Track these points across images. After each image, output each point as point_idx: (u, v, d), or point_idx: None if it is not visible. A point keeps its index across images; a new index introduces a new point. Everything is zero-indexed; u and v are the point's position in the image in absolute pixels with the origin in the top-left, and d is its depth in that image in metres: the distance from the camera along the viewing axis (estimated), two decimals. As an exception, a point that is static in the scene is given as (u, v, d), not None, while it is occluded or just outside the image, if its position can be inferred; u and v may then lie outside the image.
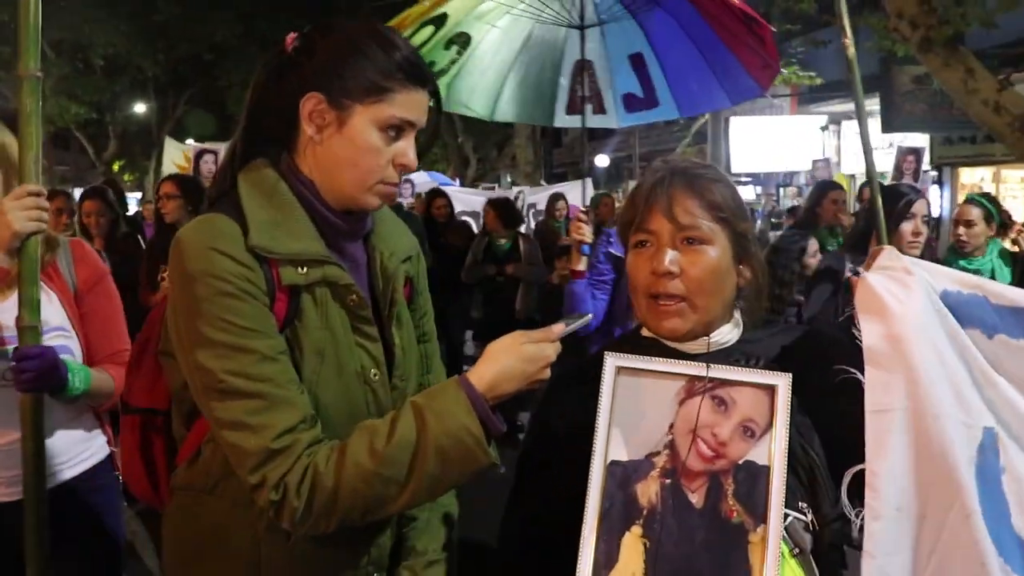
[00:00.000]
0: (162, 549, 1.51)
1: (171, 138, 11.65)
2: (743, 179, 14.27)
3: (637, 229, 1.36)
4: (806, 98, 14.97)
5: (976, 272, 3.84)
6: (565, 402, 1.38)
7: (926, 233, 3.46)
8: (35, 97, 1.86)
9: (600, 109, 4.23)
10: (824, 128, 14.99)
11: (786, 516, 1.20)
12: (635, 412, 1.25)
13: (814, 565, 1.26)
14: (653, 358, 1.27)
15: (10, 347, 1.91)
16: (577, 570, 1.18)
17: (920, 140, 11.17)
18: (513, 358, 1.29)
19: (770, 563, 1.15)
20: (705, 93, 4.09)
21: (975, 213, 4.27)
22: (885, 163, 14.08)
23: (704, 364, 1.26)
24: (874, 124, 14.57)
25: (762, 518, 1.18)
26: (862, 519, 1.20)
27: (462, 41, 4.00)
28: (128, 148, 24.07)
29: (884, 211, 3.05)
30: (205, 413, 1.30)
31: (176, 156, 9.28)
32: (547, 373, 1.30)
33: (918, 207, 3.44)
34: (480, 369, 1.30)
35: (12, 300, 1.95)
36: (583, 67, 4.05)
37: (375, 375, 1.41)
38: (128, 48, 17.41)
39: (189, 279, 1.27)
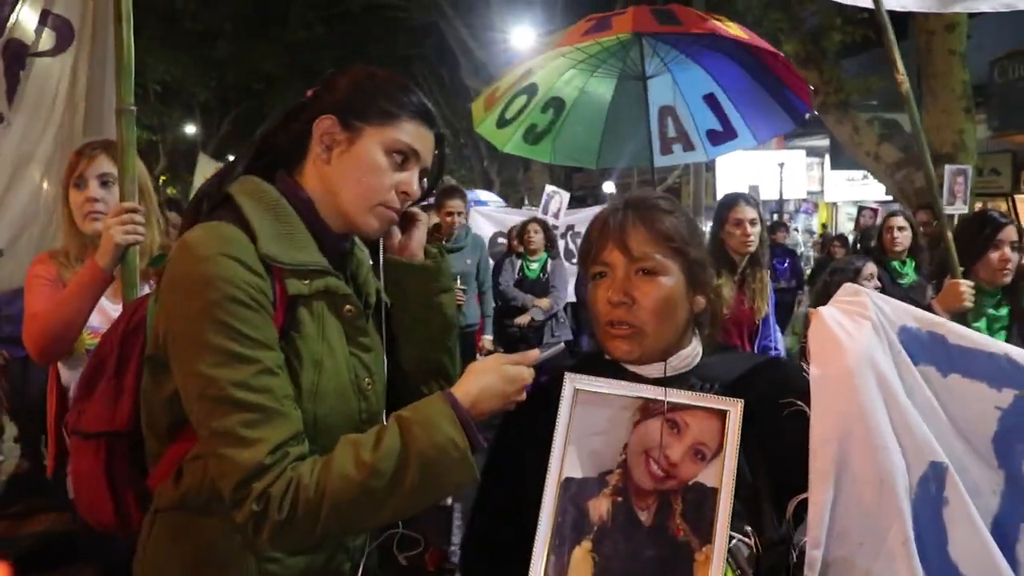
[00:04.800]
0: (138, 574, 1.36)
1: (208, 156, 11.68)
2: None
3: (593, 261, 1.32)
4: (790, 134, 15.00)
5: None
6: (527, 419, 1.32)
7: (1016, 260, 3.00)
8: (131, 128, 2.00)
9: (689, 146, 4.40)
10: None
11: (731, 538, 1.14)
12: (591, 432, 1.19)
13: None
14: (611, 380, 1.22)
15: None
16: None
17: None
18: (495, 377, 1.23)
19: None
20: (771, 119, 4.20)
21: None
22: (862, 192, 14.01)
23: (660, 388, 1.20)
24: (825, 161, 14.64)
25: (708, 539, 1.12)
26: (802, 545, 1.14)
27: (556, 105, 4.35)
28: (175, 165, 24.33)
29: (969, 238, 2.98)
30: (196, 422, 1.19)
31: (208, 171, 9.30)
32: (523, 395, 1.25)
33: (1005, 233, 3.00)
34: (464, 385, 1.23)
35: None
36: (667, 112, 4.29)
37: (368, 383, 1.35)
38: (183, 77, 17.67)
39: (199, 284, 1.17)
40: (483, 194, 13.44)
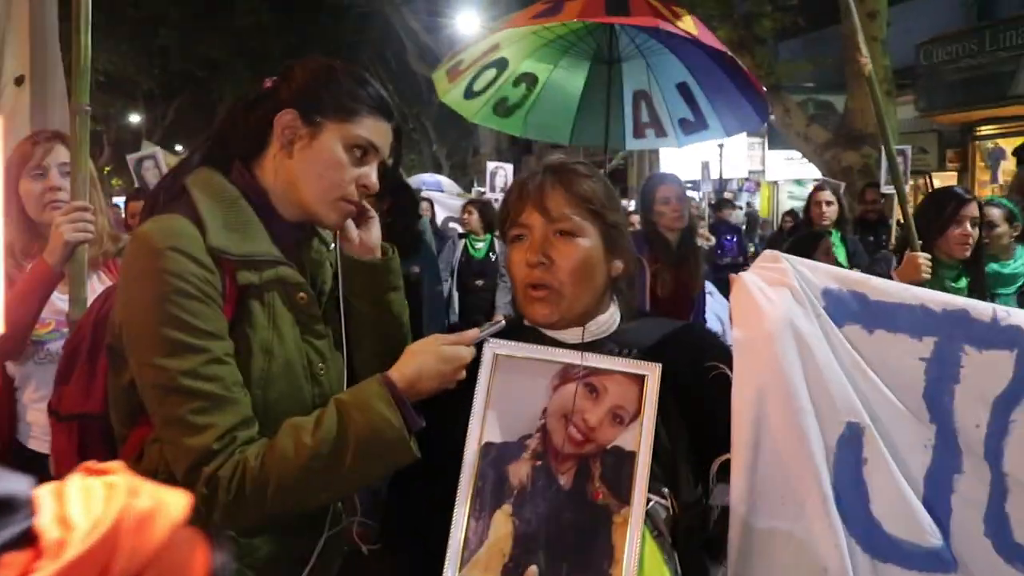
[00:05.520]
0: None
1: (153, 144, 11.24)
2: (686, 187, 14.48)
3: (512, 224, 1.31)
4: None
5: (1012, 276, 3.40)
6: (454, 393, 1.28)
7: (975, 236, 3.06)
8: (85, 128, 1.99)
9: (662, 133, 4.35)
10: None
11: (649, 500, 1.15)
12: (511, 397, 1.18)
13: (671, 547, 1.20)
14: (530, 345, 1.21)
15: (65, 331, 2.03)
16: (448, 545, 1.11)
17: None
18: (431, 358, 1.22)
19: (631, 543, 1.09)
20: (741, 114, 4.16)
21: (996, 214, 3.58)
22: (801, 171, 14.33)
23: (579, 352, 1.20)
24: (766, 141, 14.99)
25: (626, 501, 1.12)
26: (724, 504, 1.16)
27: (528, 80, 4.23)
28: (120, 155, 23.57)
29: (933, 213, 3.05)
30: (150, 409, 1.22)
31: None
32: (462, 374, 1.23)
33: (968, 210, 3.05)
34: (400, 367, 1.23)
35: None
36: (640, 96, 4.21)
37: (321, 369, 1.35)
38: (126, 66, 17.10)
39: (149, 277, 1.19)
40: (440, 178, 13.21)
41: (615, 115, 4.29)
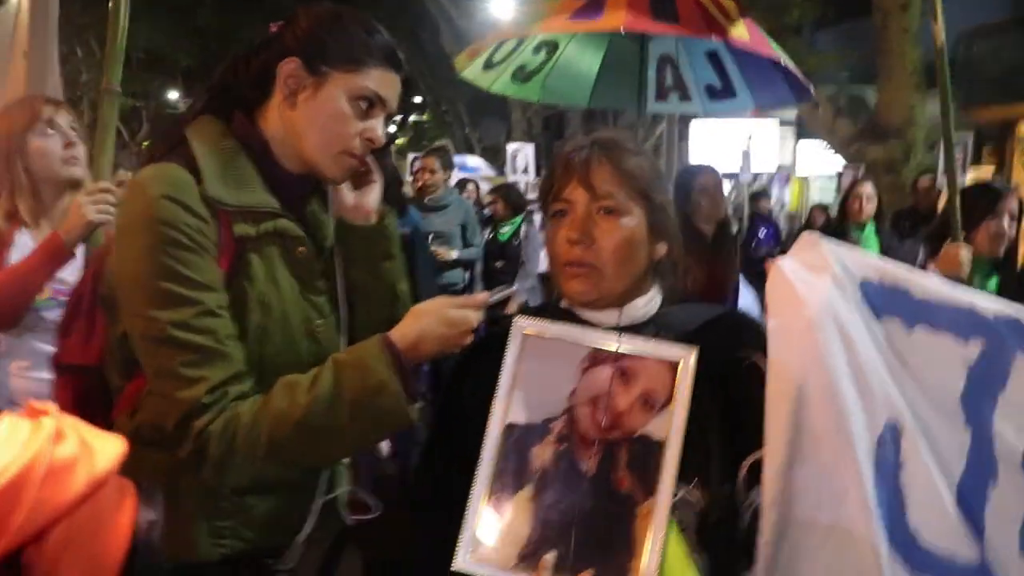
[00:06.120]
0: None
1: None
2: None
3: (555, 198, 1.23)
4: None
5: None
6: (477, 370, 1.23)
7: (1011, 231, 2.83)
8: (114, 109, 1.96)
9: (686, 97, 4.19)
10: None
11: (676, 492, 1.07)
12: (538, 377, 1.11)
13: (698, 543, 1.12)
14: (560, 324, 1.14)
15: (63, 299, 1.94)
16: (463, 526, 1.05)
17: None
18: (436, 320, 1.17)
19: (655, 536, 1.01)
20: (775, 87, 4.00)
21: None
22: (822, 165, 13.97)
23: (610, 333, 1.12)
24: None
25: (651, 491, 1.04)
26: (756, 506, 1.07)
27: (549, 47, 4.07)
28: (158, 130, 23.79)
29: (971, 207, 2.79)
30: (142, 361, 1.18)
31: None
32: (468, 338, 1.18)
33: (1004, 204, 2.82)
34: (403, 328, 1.18)
35: None
36: (666, 60, 4.07)
37: (319, 326, 1.30)
38: (165, 45, 17.21)
39: (142, 226, 1.15)
40: (471, 159, 13.06)
41: (635, 76, 4.12)
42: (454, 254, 5.06)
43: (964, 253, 2.59)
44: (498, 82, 4.16)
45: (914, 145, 7.56)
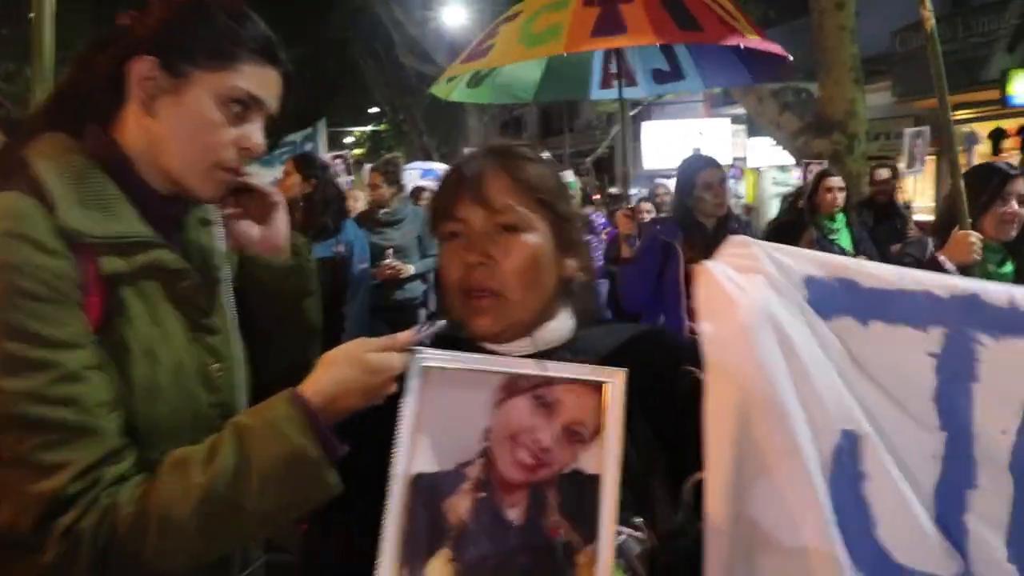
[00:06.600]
0: None
1: None
2: (670, 174, 14.33)
3: (447, 218, 1.06)
4: (717, 100, 14.99)
5: None
6: (372, 413, 1.01)
7: (1022, 214, 2.69)
8: None
9: (631, 82, 4.15)
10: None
11: (619, 533, 0.92)
12: (445, 416, 0.94)
13: None
14: (465, 354, 0.97)
15: None
16: None
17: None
18: (354, 368, 0.97)
19: None
20: (726, 67, 3.97)
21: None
22: (783, 157, 14.16)
23: (523, 360, 0.97)
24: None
25: (591, 536, 0.90)
26: (700, 531, 0.94)
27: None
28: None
29: (975, 190, 2.64)
30: None
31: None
32: (393, 386, 0.97)
33: (1014, 186, 2.68)
34: (317, 380, 0.97)
35: None
36: (613, 48, 3.99)
37: (218, 372, 1.10)
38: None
39: None
40: (436, 165, 12.97)
41: (584, 64, 4.07)
42: (411, 268, 4.90)
43: (974, 239, 2.45)
44: (456, 91, 4.10)
45: (856, 137, 7.67)
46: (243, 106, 1.06)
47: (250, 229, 1.17)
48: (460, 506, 0.91)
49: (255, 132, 1.08)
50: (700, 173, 3.47)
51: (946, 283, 1.06)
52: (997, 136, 10.64)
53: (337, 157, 7.18)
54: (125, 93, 1.05)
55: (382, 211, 4.98)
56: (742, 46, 3.37)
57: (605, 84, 4.20)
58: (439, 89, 4.09)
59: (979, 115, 10.85)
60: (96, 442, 0.93)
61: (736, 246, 1.06)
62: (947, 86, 2.54)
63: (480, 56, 3.57)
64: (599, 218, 7.27)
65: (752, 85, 4.86)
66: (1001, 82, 9.59)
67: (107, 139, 1.06)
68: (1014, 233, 2.70)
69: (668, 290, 3.39)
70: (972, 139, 11.05)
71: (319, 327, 1.26)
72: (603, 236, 6.46)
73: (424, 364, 0.96)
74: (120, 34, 1.06)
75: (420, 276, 5.12)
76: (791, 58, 3.73)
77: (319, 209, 4.16)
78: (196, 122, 1.04)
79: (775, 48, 3.57)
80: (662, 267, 3.40)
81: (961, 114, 11.26)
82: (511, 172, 1.05)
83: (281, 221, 1.19)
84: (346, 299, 4.17)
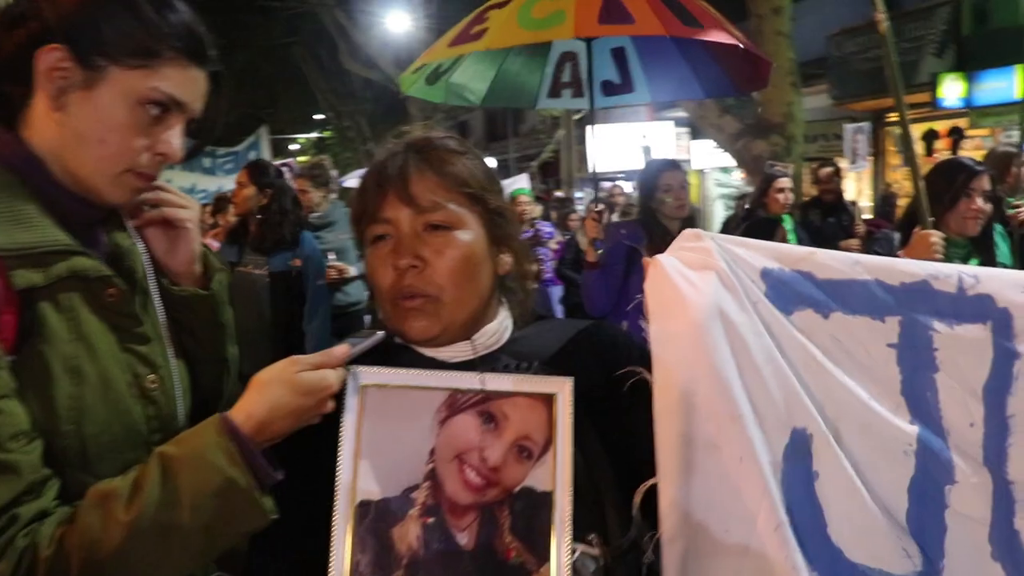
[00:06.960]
0: None
1: None
2: (618, 176, 14.42)
3: (372, 220, 1.00)
4: (661, 104, 15.28)
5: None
6: (312, 436, 0.95)
7: (987, 210, 2.68)
8: None
9: (578, 93, 4.13)
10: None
11: (573, 551, 0.89)
12: (388, 438, 0.90)
13: None
14: (404, 370, 0.92)
15: None
16: None
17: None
18: (287, 390, 0.91)
19: None
20: (678, 83, 3.99)
21: None
22: (725, 159, 14.45)
23: (465, 373, 0.93)
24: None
25: (545, 556, 0.87)
26: (657, 540, 0.91)
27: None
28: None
29: (941, 186, 2.65)
30: None
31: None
32: (329, 406, 0.92)
33: (979, 182, 2.67)
34: (247, 405, 0.92)
35: None
36: (567, 57, 4.02)
37: (153, 383, 1.01)
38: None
39: None
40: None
41: (535, 74, 4.05)
42: (353, 270, 4.80)
43: (935, 239, 2.46)
44: (415, 86, 4.01)
45: (794, 139, 7.89)
46: (162, 108, 0.98)
47: (156, 245, 1.10)
48: (409, 533, 0.87)
49: (173, 136, 0.99)
50: (661, 175, 3.49)
51: (896, 269, 1.04)
52: (930, 137, 11.04)
53: (283, 165, 7.04)
54: (32, 85, 0.95)
55: (312, 215, 4.89)
56: (741, 46, 3.39)
57: (553, 93, 4.19)
58: (406, 77, 4.01)
59: (912, 117, 11.25)
60: (10, 480, 0.85)
61: (689, 239, 1.03)
62: (880, 88, 2.60)
63: (472, 39, 3.45)
64: (546, 227, 7.22)
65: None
66: (932, 85, 9.95)
67: (11, 136, 0.96)
68: (978, 229, 2.72)
69: (633, 294, 3.39)
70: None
71: (230, 355, 1.19)
72: (553, 246, 6.43)
73: (362, 383, 0.91)
74: (28, 14, 0.95)
75: (362, 277, 5.03)
76: (775, 64, 3.78)
77: (276, 220, 4.03)
78: (108, 123, 0.95)
79: (763, 53, 3.60)
80: (627, 271, 3.40)
81: (895, 116, 11.69)
82: (436, 167, 1.00)
83: (185, 248, 1.11)
84: (304, 316, 4.04)
